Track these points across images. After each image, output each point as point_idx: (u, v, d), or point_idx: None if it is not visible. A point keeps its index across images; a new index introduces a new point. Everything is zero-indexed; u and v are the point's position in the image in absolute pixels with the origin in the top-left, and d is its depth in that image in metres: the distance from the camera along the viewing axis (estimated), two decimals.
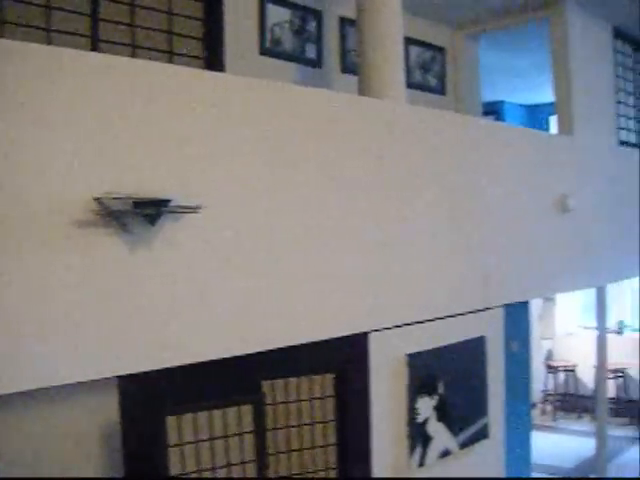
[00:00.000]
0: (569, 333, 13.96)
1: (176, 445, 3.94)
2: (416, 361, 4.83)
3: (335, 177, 4.20)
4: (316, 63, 6.08)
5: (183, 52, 4.85)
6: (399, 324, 4.68)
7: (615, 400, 12.97)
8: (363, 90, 4.83)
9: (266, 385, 4.41)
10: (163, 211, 3.25)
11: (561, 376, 13.45)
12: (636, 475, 10.38)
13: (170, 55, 4.81)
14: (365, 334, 4.47)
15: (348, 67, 6.23)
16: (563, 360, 13.63)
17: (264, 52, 5.71)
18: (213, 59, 5.04)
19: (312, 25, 6.06)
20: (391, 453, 4.82)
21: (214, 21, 5.04)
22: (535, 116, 12.16)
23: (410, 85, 6.80)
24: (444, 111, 5.93)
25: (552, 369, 13.48)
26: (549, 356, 13.90)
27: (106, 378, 3.29)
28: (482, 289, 5.38)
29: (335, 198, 4.19)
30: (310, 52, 6.03)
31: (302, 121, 4.07)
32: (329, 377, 4.61)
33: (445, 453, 5.20)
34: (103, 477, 3.92)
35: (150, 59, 4.48)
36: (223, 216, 3.59)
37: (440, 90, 7.32)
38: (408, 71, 6.80)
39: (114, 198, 3.12)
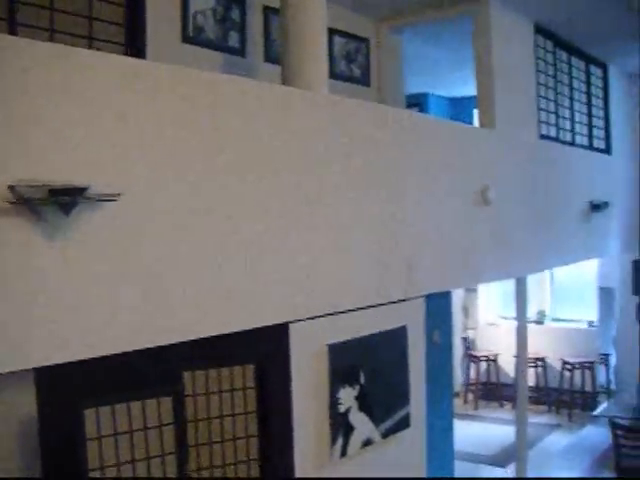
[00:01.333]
0: (491, 323, 14.20)
1: (94, 438, 3.88)
2: (337, 351, 4.84)
3: (255, 166, 4.16)
4: (239, 52, 6.03)
5: (103, 38, 4.75)
6: (320, 314, 4.67)
7: (535, 388, 13.24)
8: (286, 80, 4.80)
9: (186, 376, 4.37)
10: (79, 200, 3.17)
11: (483, 365, 13.67)
12: (555, 460, 10.63)
13: (90, 40, 4.71)
14: (286, 325, 4.45)
15: (272, 56, 6.19)
16: (485, 350, 13.86)
17: (187, 40, 5.62)
18: (134, 46, 4.95)
19: (236, 13, 6.00)
20: (313, 443, 4.82)
21: (136, 7, 4.93)
22: (459, 109, 12.29)
23: (334, 76, 6.82)
24: (367, 102, 5.92)
25: (474, 359, 13.70)
26: (471, 346, 14.12)
27: (24, 371, 3.22)
28: (404, 279, 5.41)
29: (254, 187, 4.15)
30: (233, 41, 5.97)
31: (224, 108, 4.01)
32: (250, 368, 4.60)
33: (367, 442, 5.23)
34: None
35: (69, 44, 4.37)
36: (141, 205, 3.53)
37: (364, 81, 7.34)
38: (332, 62, 6.81)
39: (29, 186, 3.04)
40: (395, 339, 5.45)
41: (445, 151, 6.19)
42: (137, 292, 3.52)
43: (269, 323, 4.25)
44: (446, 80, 10.98)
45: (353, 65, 7.19)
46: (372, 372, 5.19)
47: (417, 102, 11.12)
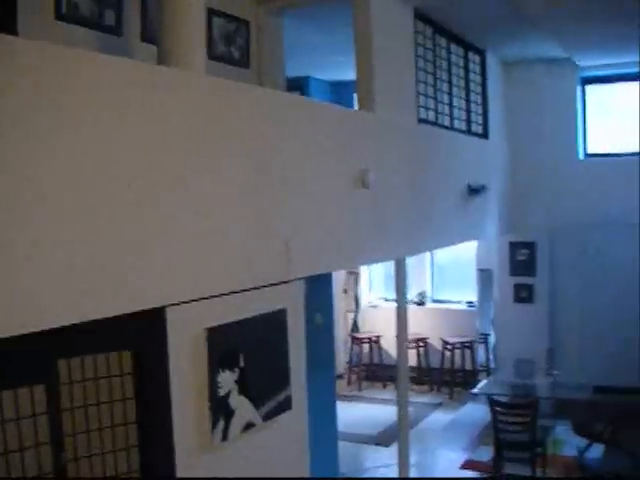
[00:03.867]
0: (373, 305, 14.40)
1: None
2: (216, 335, 4.80)
3: (122, 147, 4.05)
4: (116, 31, 5.87)
5: None
6: (198, 298, 4.63)
7: (417, 368, 13.52)
8: (163, 60, 4.72)
9: (61, 364, 4.28)
10: None
11: (366, 347, 13.86)
12: (437, 438, 10.88)
13: None
14: (162, 309, 4.39)
15: (149, 36, 6.05)
16: (368, 332, 14.05)
17: (60, 17, 5.43)
18: (5, 22, 4.78)
19: None
20: (194, 428, 4.78)
21: None
22: (340, 93, 12.36)
23: (213, 57, 6.73)
24: (246, 84, 5.88)
25: (357, 340, 13.86)
26: (354, 328, 14.28)
27: None
28: (283, 262, 5.41)
29: (123, 167, 4.04)
30: (109, 19, 5.80)
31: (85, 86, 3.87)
32: (127, 354, 4.53)
33: (248, 426, 5.22)
34: None
35: None
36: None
37: (243, 63, 7.27)
38: (211, 43, 6.73)
39: None
40: (275, 322, 5.46)
41: (325, 134, 6.20)
42: (2, 277, 3.39)
43: (145, 307, 4.17)
44: (327, 64, 11.00)
45: (232, 47, 7.11)
46: (252, 355, 5.17)
47: (298, 86, 11.12)
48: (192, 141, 4.58)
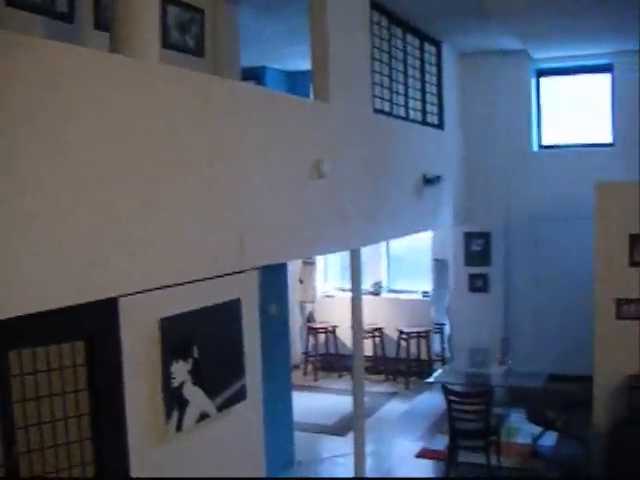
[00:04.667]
0: (329, 295, 14.42)
1: None
2: (170, 325, 4.78)
3: (71, 136, 3.98)
4: (68, 18, 5.78)
5: None
6: (151, 288, 4.59)
7: (373, 358, 13.56)
8: (115, 48, 4.66)
9: (12, 355, 4.21)
10: None
11: (322, 337, 13.88)
12: (393, 427, 10.94)
13: None
14: (115, 299, 4.35)
15: (102, 23, 5.97)
16: (324, 322, 14.07)
17: (10, 3, 5.33)
18: None
19: None
20: (147, 420, 4.76)
21: None
22: (297, 83, 12.34)
23: (167, 46, 6.68)
24: (201, 73, 5.83)
25: (313, 331, 13.88)
26: (310, 318, 14.30)
27: None
28: (238, 251, 5.39)
29: (74, 156, 3.98)
30: (61, 5, 5.71)
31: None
32: (80, 345, 4.48)
33: (203, 416, 5.20)
34: None
35: None
36: None
37: (198, 52, 7.22)
38: (165, 31, 6.67)
39: None
40: (229, 312, 5.44)
41: (280, 124, 6.18)
42: None
43: (97, 298, 4.12)
44: (284, 54, 10.99)
45: (187, 36, 7.06)
46: (206, 345, 5.16)
47: (254, 75, 11.09)
48: (144, 131, 4.53)
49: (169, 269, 4.74)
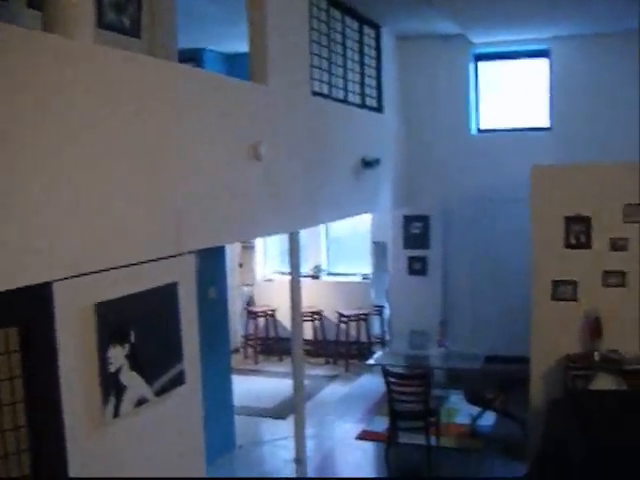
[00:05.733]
0: (268, 279, 14.41)
1: None
2: (106, 310, 4.70)
3: (3, 117, 3.89)
4: None
5: None
6: (86, 272, 4.52)
7: (313, 341, 13.61)
8: (47, 27, 4.55)
9: None
10: None
11: (262, 321, 13.86)
12: (333, 409, 11.00)
13: None
14: (49, 284, 4.27)
15: (36, 2, 5.82)
16: (263, 305, 14.06)
17: None
18: None
19: None
20: (84, 406, 4.67)
21: None
22: (236, 65, 12.23)
23: (102, 26, 6.54)
24: (137, 54, 5.74)
25: (253, 314, 13.86)
26: (250, 302, 14.27)
27: None
28: (174, 235, 5.34)
29: (4, 136, 3.88)
30: None
31: None
32: (13, 331, 4.39)
33: (141, 402, 5.15)
34: None
35: None
36: None
37: (135, 33, 7.07)
38: (100, 11, 6.53)
39: None
40: (166, 296, 5.37)
41: (218, 106, 6.13)
42: None
43: (30, 283, 4.04)
44: (223, 35, 10.89)
45: (123, 16, 6.92)
46: (143, 330, 5.09)
47: (192, 57, 10.98)
48: (76, 113, 4.44)
49: (103, 253, 4.66)
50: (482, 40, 11.81)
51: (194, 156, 5.69)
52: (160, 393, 5.35)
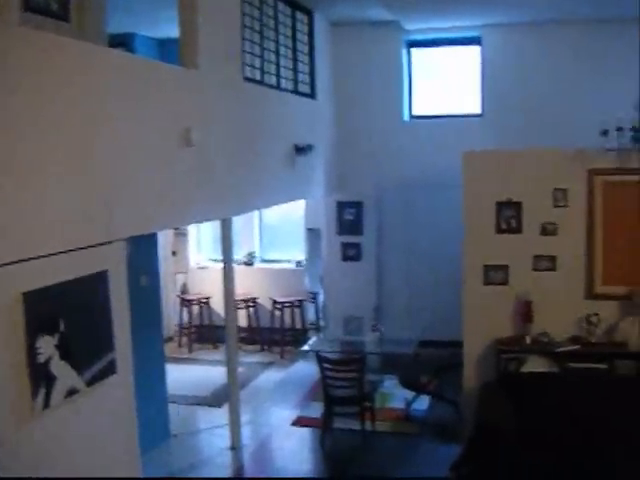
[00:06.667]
0: (202, 267, 14.31)
1: None
2: (34, 299, 4.60)
3: None
4: None
5: None
6: (12, 261, 4.42)
7: (248, 328, 13.57)
8: None
9: None
10: None
11: (196, 309, 13.77)
12: (269, 396, 10.99)
13: None
14: None
15: None
16: (197, 293, 13.96)
17: None
18: None
19: None
20: (13, 398, 4.57)
21: None
22: (169, 50, 12.06)
23: (29, 9, 6.39)
24: (65, 37, 5.62)
25: (187, 302, 13.76)
26: (184, 290, 14.16)
27: None
28: (104, 222, 5.26)
29: None
30: None
31: None
32: None
33: (72, 392, 5.06)
34: None
35: None
36: None
37: (63, 16, 6.94)
38: None
39: None
40: (96, 284, 5.29)
41: (149, 91, 6.05)
42: None
43: None
44: (155, 20, 10.72)
45: None
46: (73, 319, 5.00)
47: (123, 42, 10.80)
48: (0, 96, 4.33)
49: (31, 241, 4.58)
50: (415, 27, 11.85)
51: (124, 142, 5.60)
52: (91, 383, 5.28)
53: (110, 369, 5.48)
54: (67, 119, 4.93)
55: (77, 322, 5.06)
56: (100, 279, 5.33)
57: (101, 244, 5.29)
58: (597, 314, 8.06)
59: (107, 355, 5.44)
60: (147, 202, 5.94)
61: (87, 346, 5.21)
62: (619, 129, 7.17)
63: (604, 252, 8.25)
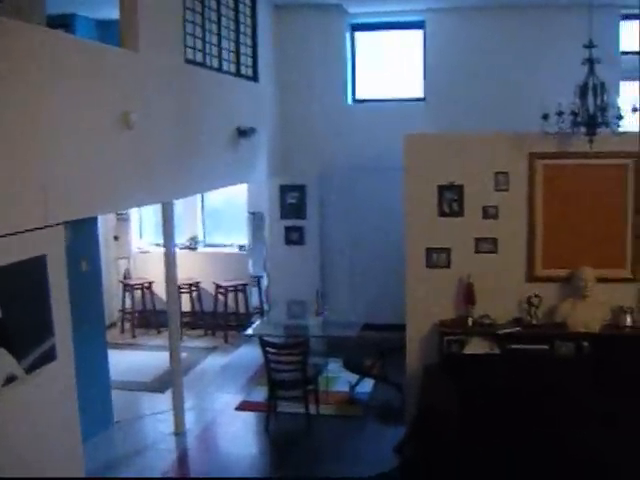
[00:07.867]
0: (144, 251, 14.18)
1: None
2: None
3: None
4: None
5: None
6: None
7: (191, 313, 13.49)
8: None
9: None
10: None
11: (138, 294, 13.64)
12: (212, 381, 10.95)
13: None
14: None
15: None
16: (140, 278, 13.83)
17: None
18: None
19: None
20: None
21: None
22: (110, 32, 11.86)
23: None
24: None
25: (129, 287, 13.62)
26: (126, 275, 14.01)
27: None
28: (41, 206, 5.17)
29: None
30: None
31: None
32: None
33: (10, 379, 4.99)
34: None
35: None
36: None
37: None
38: None
39: None
40: (34, 269, 5.21)
41: (87, 73, 5.95)
42: None
43: None
44: (95, 1, 10.55)
45: None
46: (11, 305, 4.92)
47: (63, 23, 10.59)
48: None
49: None
50: (359, 10, 11.86)
51: (62, 125, 5.51)
52: (30, 370, 5.21)
53: (50, 355, 5.41)
54: (1, 101, 4.82)
55: (14, 308, 4.98)
56: (38, 264, 5.24)
57: (38, 228, 5.20)
58: (538, 295, 8.14)
59: (46, 341, 5.37)
60: (85, 186, 5.85)
61: (25, 332, 5.13)
62: (559, 113, 7.23)
63: (544, 235, 8.33)
